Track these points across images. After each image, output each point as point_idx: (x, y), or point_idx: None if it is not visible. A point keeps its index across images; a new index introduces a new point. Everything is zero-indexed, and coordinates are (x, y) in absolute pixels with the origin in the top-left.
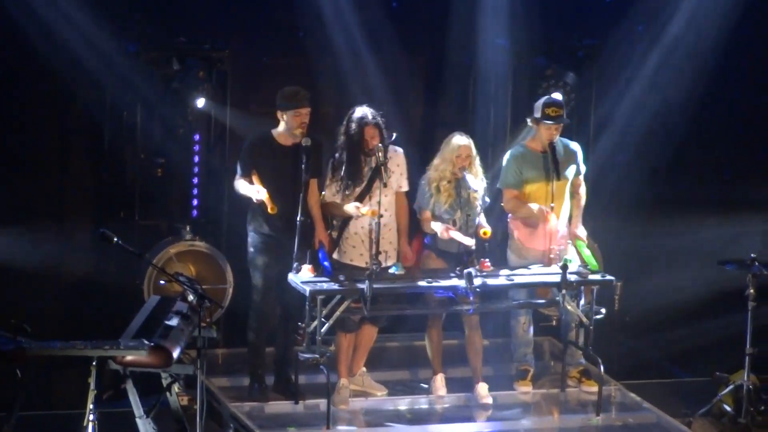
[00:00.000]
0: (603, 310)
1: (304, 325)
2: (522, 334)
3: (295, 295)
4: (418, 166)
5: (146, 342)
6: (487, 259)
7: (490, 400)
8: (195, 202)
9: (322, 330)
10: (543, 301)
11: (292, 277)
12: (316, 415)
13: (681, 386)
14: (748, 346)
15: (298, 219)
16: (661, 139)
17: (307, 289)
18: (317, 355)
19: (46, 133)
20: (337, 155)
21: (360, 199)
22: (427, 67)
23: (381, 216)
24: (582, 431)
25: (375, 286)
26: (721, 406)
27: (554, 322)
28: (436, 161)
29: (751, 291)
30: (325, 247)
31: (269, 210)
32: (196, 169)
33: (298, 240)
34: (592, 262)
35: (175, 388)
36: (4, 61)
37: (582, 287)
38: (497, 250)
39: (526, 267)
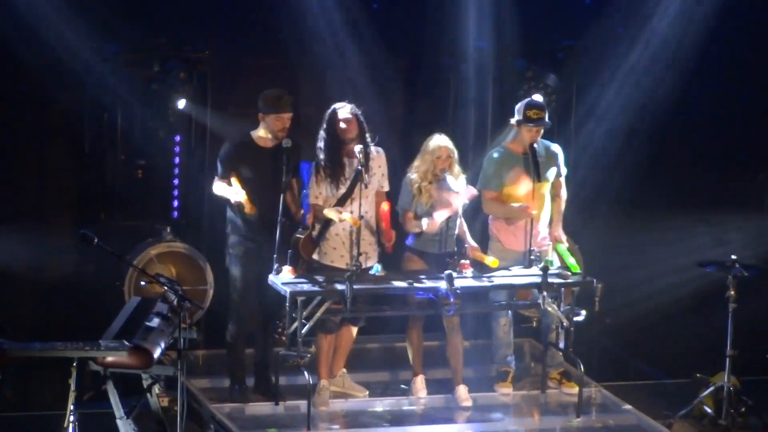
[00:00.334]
0: (583, 312)
1: (283, 325)
2: (502, 336)
3: (275, 296)
4: (399, 167)
5: (127, 343)
6: (468, 261)
7: (470, 402)
8: (175, 203)
9: (303, 331)
10: (524, 302)
11: (273, 279)
12: (297, 416)
13: (661, 388)
14: (728, 348)
15: (278, 220)
16: (642, 140)
17: (287, 290)
18: (298, 356)
19: (26, 134)
20: (321, 157)
21: (342, 200)
22: (407, 68)
23: (362, 217)
24: None
25: (355, 287)
26: (702, 407)
27: (534, 324)
28: (416, 162)
29: (732, 293)
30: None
31: (247, 211)
32: (176, 171)
33: (278, 241)
34: (573, 264)
35: (156, 389)
36: None
37: (563, 289)
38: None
39: (506, 268)
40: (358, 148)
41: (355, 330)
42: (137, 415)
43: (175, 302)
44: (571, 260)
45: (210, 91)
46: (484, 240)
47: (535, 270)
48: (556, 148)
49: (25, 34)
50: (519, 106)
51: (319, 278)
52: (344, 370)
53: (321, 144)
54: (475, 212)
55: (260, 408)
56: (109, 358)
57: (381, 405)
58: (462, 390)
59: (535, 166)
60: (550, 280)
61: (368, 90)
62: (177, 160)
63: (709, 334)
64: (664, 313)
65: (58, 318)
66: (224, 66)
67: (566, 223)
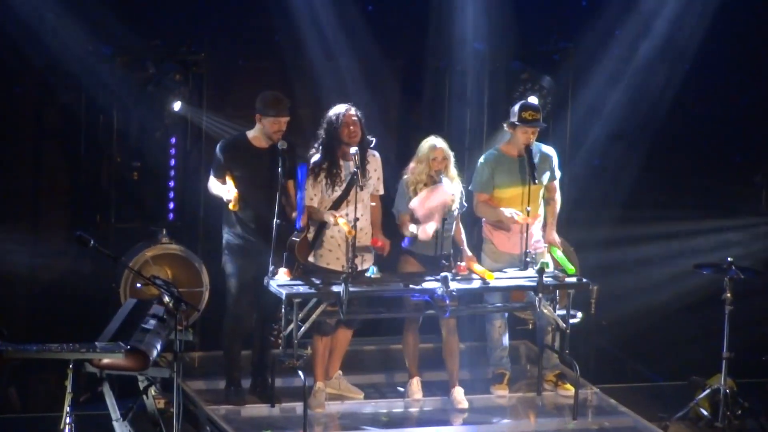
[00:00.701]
0: (579, 314)
1: (279, 327)
2: (498, 338)
3: (271, 298)
4: (394, 170)
5: (123, 345)
6: (463, 263)
7: (466, 404)
8: (171, 205)
9: (299, 333)
10: (520, 304)
11: (269, 281)
12: (293, 418)
13: (657, 390)
14: (724, 350)
15: (274, 222)
16: (637, 143)
17: (284, 292)
18: (293, 358)
19: (22, 135)
20: (317, 157)
21: (338, 202)
22: (403, 70)
23: (357, 219)
24: None
25: (351, 289)
26: (698, 410)
27: (530, 326)
28: (412, 164)
29: (728, 295)
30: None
31: (230, 207)
32: (172, 172)
33: (274, 243)
34: (569, 266)
35: (152, 391)
36: None
37: (558, 291)
38: (473, 253)
39: (501, 270)
40: (353, 150)
41: (350, 332)
42: (133, 416)
43: (170, 304)
44: (566, 262)
45: (205, 93)
46: (480, 241)
47: (531, 272)
48: (550, 150)
49: (21, 35)
50: (514, 108)
51: (315, 280)
52: (340, 372)
53: (318, 145)
54: (474, 216)
55: (256, 410)
56: (106, 360)
57: (377, 407)
58: (458, 392)
59: (530, 168)
60: (545, 282)
61: (364, 92)
62: (173, 161)
63: (706, 337)
64: (661, 315)
65: (54, 320)
66: (220, 68)
67: (561, 226)
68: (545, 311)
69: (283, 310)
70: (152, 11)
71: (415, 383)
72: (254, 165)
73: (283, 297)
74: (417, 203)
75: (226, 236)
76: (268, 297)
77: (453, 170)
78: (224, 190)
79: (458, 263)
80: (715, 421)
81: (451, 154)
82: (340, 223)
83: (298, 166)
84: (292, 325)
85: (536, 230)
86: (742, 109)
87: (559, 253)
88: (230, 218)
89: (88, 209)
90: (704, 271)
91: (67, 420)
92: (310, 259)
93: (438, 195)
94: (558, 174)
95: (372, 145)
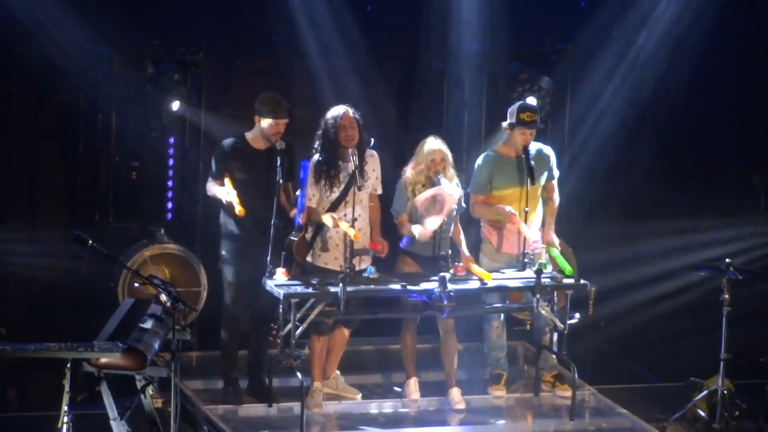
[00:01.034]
0: (577, 315)
1: (277, 327)
2: (495, 339)
3: (269, 298)
4: (392, 170)
5: (120, 344)
6: (461, 263)
7: (463, 405)
8: (169, 205)
9: (296, 333)
10: (517, 305)
11: (266, 281)
12: (290, 418)
13: (655, 391)
14: (722, 352)
15: (272, 222)
16: (636, 143)
17: (281, 292)
18: (291, 358)
19: (20, 135)
20: (316, 158)
21: (336, 203)
22: (401, 71)
23: (355, 219)
24: None
25: (349, 289)
26: (696, 411)
27: (528, 327)
28: (410, 165)
29: (726, 296)
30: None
31: (237, 212)
32: (170, 172)
33: (272, 243)
34: (566, 267)
35: (150, 390)
36: None
37: (556, 292)
38: (471, 253)
39: (499, 271)
40: (351, 150)
41: (348, 332)
42: (131, 416)
43: (168, 304)
44: (564, 262)
45: (204, 92)
46: (478, 242)
47: (529, 273)
48: (548, 150)
49: (19, 35)
50: (512, 109)
51: (313, 280)
52: (338, 372)
53: (317, 146)
54: (471, 216)
55: (254, 409)
56: (103, 360)
57: (374, 407)
58: (455, 392)
59: (528, 168)
60: (543, 283)
61: (361, 93)
62: (171, 161)
63: (703, 338)
64: (658, 316)
65: (52, 319)
66: (218, 68)
67: (560, 226)
68: (543, 312)
69: (280, 310)
70: (151, 11)
71: (413, 383)
72: (253, 166)
73: (281, 297)
74: (421, 199)
75: (225, 236)
76: (265, 297)
77: (451, 171)
78: (223, 191)
79: (456, 264)
80: (712, 422)
81: (449, 155)
82: (342, 227)
83: (299, 163)
84: (289, 325)
85: (535, 230)
86: (740, 111)
87: (556, 253)
88: (228, 218)
89: (87, 209)
90: (702, 272)
91: (65, 419)
92: (308, 259)
93: (440, 198)
94: (556, 174)
95: (371, 145)
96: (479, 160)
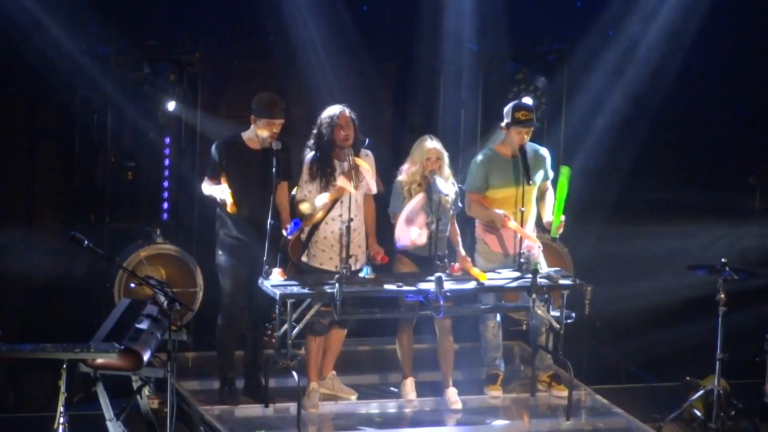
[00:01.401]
0: (573, 315)
1: (272, 327)
2: (491, 339)
3: (265, 298)
4: (388, 170)
5: (117, 345)
6: (457, 263)
7: (459, 405)
8: (165, 205)
9: (292, 333)
10: (513, 305)
11: (263, 281)
12: (286, 418)
13: (651, 391)
14: (718, 351)
15: (268, 222)
16: (631, 144)
17: (278, 292)
18: (287, 358)
19: (16, 136)
20: (312, 156)
21: (332, 203)
22: (397, 71)
23: (351, 219)
24: None
25: (345, 289)
26: (692, 411)
27: (524, 327)
28: (406, 165)
29: (722, 296)
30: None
31: (229, 209)
32: (166, 173)
33: (268, 243)
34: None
35: (146, 391)
36: None
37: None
38: (466, 253)
39: (494, 271)
40: (347, 150)
41: (343, 332)
42: (127, 416)
43: (164, 304)
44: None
45: (200, 93)
46: (473, 242)
47: (525, 273)
48: (543, 151)
49: (15, 35)
50: (507, 109)
51: (309, 280)
52: (334, 372)
53: (312, 145)
54: (467, 216)
55: (250, 410)
56: (99, 360)
57: (371, 407)
58: (452, 393)
59: (525, 168)
60: (539, 283)
61: (357, 93)
62: (167, 161)
63: (699, 337)
64: (654, 316)
65: (48, 319)
66: (214, 68)
67: None
68: (539, 312)
69: (277, 311)
70: (147, 11)
71: (409, 384)
72: (249, 166)
73: (277, 297)
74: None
75: (220, 236)
76: (260, 297)
77: (447, 170)
78: (218, 190)
79: (452, 264)
80: (708, 422)
81: (445, 154)
82: (302, 207)
83: (293, 165)
84: (286, 326)
85: (529, 231)
86: (735, 110)
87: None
88: (224, 218)
89: (83, 209)
90: (698, 272)
91: (61, 420)
92: (303, 258)
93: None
94: (551, 174)
95: (366, 145)
96: (476, 159)
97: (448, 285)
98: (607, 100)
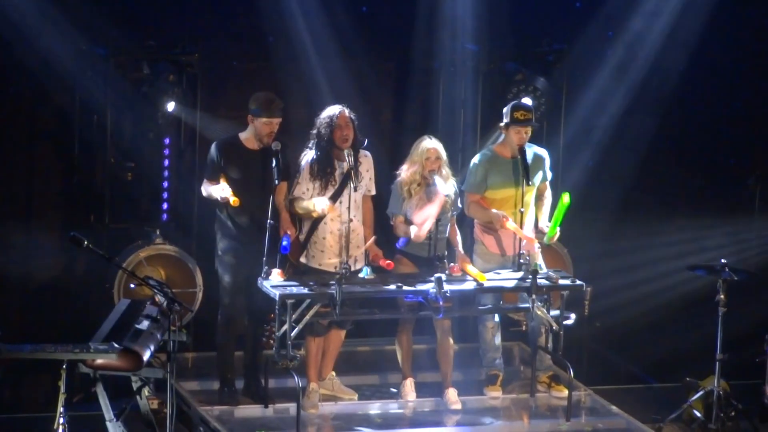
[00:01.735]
0: (573, 315)
1: (271, 328)
2: (490, 339)
3: (264, 298)
4: (387, 171)
5: (116, 345)
6: (457, 264)
7: (459, 405)
8: (165, 205)
9: (292, 334)
10: (513, 305)
11: (262, 281)
12: (286, 419)
13: (651, 392)
14: (718, 352)
15: (268, 222)
16: (631, 144)
17: (277, 293)
18: (287, 359)
19: (15, 136)
20: (311, 155)
21: (331, 202)
22: (396, 71)
23: (351, 220)
24: None
25: (345, 290)
26: (691, 411)
27: (524, 327)
28: (405, 165)
29: (722, 297)
30: (291, 239)
31: (232, 203)
32: (166, 173)
33: (267, 243)
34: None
35: (146, 391)
36: None
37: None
38: (465, 254)
39: (492, 272)
40: (347, 151)
41: (343, 333)
42: (127, 417)
43: (164, 305)
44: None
45: (199, 93)
46: (472, 243)
47: (524, 273)
48: (543, 152)
49: (14, 36)
50: (506, 109)
51: (309, 281)
52: (333, 372)
53: (311, 145)
54: (465, 216)
55: (249, 411)
56: (99, 361)
57: (370, 408)
58: (451, 393)
59: (524, 169)
60: (539, 283)
61: (357, 93)
62: (166, 162)
63: (699, 338)
64: (654, 317)
65: (48, 320)
66: (214, 68)
67: None
68: (539, 312)
69: (276, 311)
70: (146, 12)
71: (409, 384)
72: (247, 166)
73: (277, 298)
74: (416, 215)
75: (220, 237)
76: (260, 298)
77: (446, 170)
78: (218, 189)
79: (452, 264)
80: (708, 422)
81: (444, 155)
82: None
83: (291, 165)
84: (285, 326)
85: (528, 232)
86: (736, 111)
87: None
88: (224, 219)
89: (82, 210)
90: (698, 273)
91: (61, 420)
92: (302, 259)
93: (433, 205)
94: (549, 176)
95: (364, 145)
96: (475, 159)
97: (448, 286)
98: (606, 100)
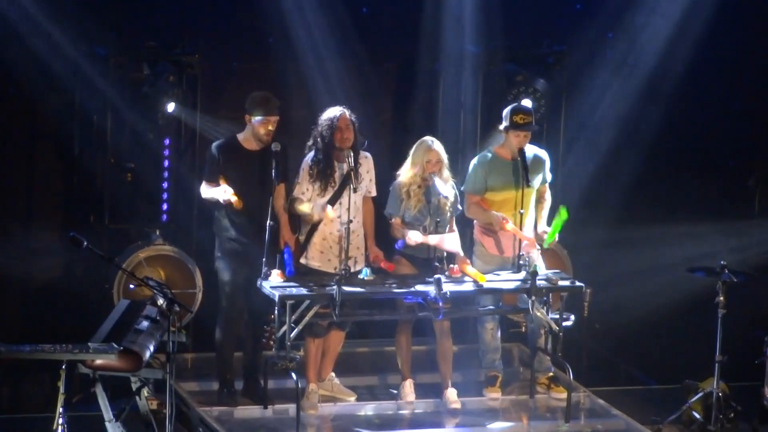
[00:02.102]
0: (572, 317)
1: (271, 329)
2: (489, 341)
3: (264, 299)
4: (387, 172)
5: (116, 346)
6: (456, 265)
7: (458, 406)
8: (165, 206)
9: (291, 335)
10: (512, 307)
11: (262, 282)
12: (285, 420)
13: (650, 393)
14: (717, 354)
15: (267, 223)
16: (631, 146)
17: (277, 294)
18: (286, 360)
19: (15, 137)
20: (311, 155)
21: (330, 203)
22: (396, 73)
23: (351, 221)
24: None
25: (344, 291)
26: (691, 413)
27: (523, 329)
28: (405, 166)
29: (721, 298)
30: (291, 249)
31: (235, 205)
32: (166, 174)
33: (267, 245)
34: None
35: (145, 392)
36: None
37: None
38: (464, 255)
39: (492, 273)
40: (347, 152)
41: (342, 333)
42: (126, 417)
43: (164, 305)
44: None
45: (199, 94)
46: (472, 244)
47: (524, 275)
48: (543, 154)
49: (13, 37)
50: (506, 112)
51: (308, 282)
52: (333, 373)
53: (312, 146)
54: (465, 218)
55: (249, 411)
56: (98, 361)
57: (370, 409)
58: (451, 394)
59: (524, 171)
60: (538, 285)
61: (357, 94)
62: (166, 163)
63: (699, 340)
64: (654, 319)
65: (47, 320)
66: (214, 69)
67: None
68: (538, 314)
69: (276, 312)
70: (146, 12)
71: (408, 385)
72: (246, 167)
73: (276, 299)
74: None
75: (219, 238)
76: (259, 298)
77: (447, 172)
78: (219, 191)
79: (451, 265)
80: (707, 424)
81: (445, 157)
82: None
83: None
84: (284, 327)
85: (528, 234)
86: (735, 112)
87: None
88: (222, 220)
89: (82, 210)
90: (697, 275)
91: (60, 421)
92: (302, 261)
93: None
94: (549, 177)
95: (364, 146)
96: (475, 160)
97: (447, 287)
98: (606, 102)
